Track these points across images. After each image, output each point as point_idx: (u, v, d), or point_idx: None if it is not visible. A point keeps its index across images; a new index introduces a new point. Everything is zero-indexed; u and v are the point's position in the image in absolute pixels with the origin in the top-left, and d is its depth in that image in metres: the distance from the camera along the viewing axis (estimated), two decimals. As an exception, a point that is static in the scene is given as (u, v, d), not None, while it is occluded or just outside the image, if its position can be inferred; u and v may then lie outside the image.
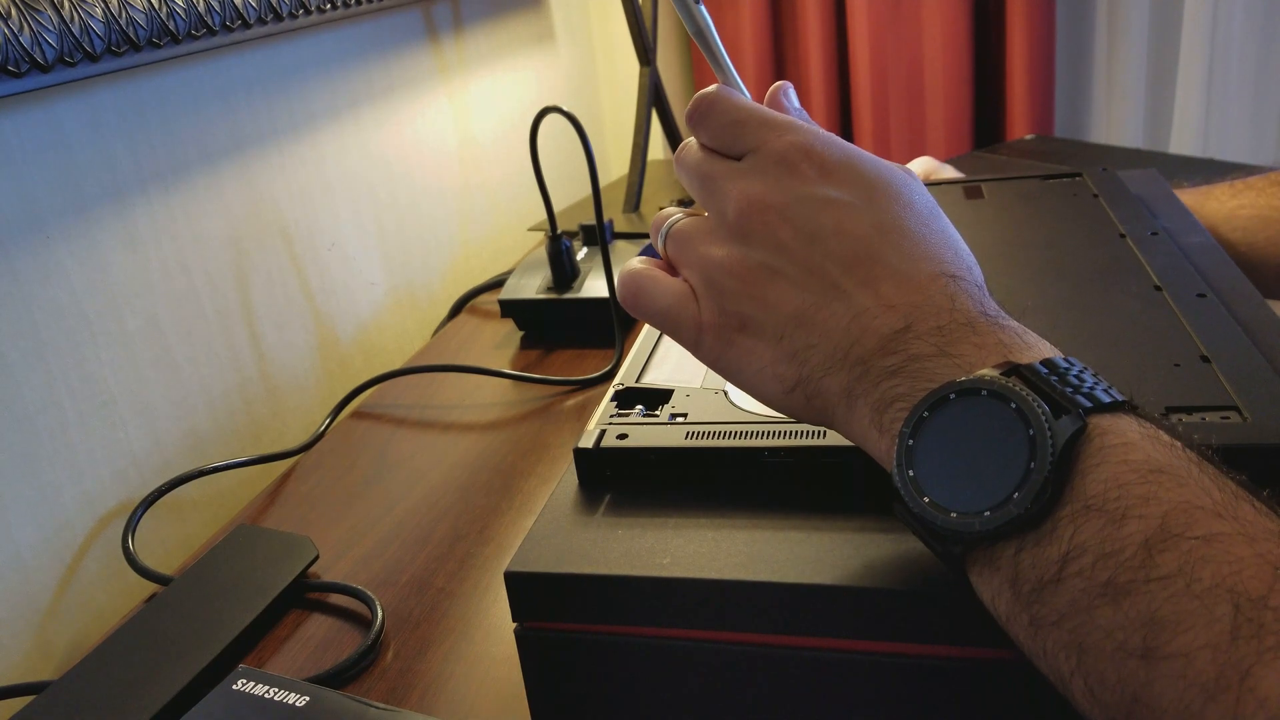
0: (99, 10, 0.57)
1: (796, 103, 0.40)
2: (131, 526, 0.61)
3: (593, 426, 0.43)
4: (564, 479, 0.42)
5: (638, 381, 0.47)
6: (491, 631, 0.50)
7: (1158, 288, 0.48)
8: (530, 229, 1.03)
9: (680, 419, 0.42)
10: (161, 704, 0.45)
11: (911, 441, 0.30)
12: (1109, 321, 0.44)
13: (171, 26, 0.63)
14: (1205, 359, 0.40)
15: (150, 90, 0.68)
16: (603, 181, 0.82)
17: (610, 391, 0.46)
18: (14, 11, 0.53)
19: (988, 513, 0.28)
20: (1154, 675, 0.24)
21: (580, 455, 0.41)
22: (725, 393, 0.44)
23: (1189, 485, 0.26)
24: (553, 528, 0.38)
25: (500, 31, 1.16)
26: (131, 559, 0.59)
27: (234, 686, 0.37)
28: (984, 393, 0.29)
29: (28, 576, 0.59)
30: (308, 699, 0.36)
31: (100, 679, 0.47)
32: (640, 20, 1.04)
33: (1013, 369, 0.30)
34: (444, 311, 0.98)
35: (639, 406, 0.44)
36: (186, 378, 0.71)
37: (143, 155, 0.67)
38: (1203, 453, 0.28)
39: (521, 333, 0.86)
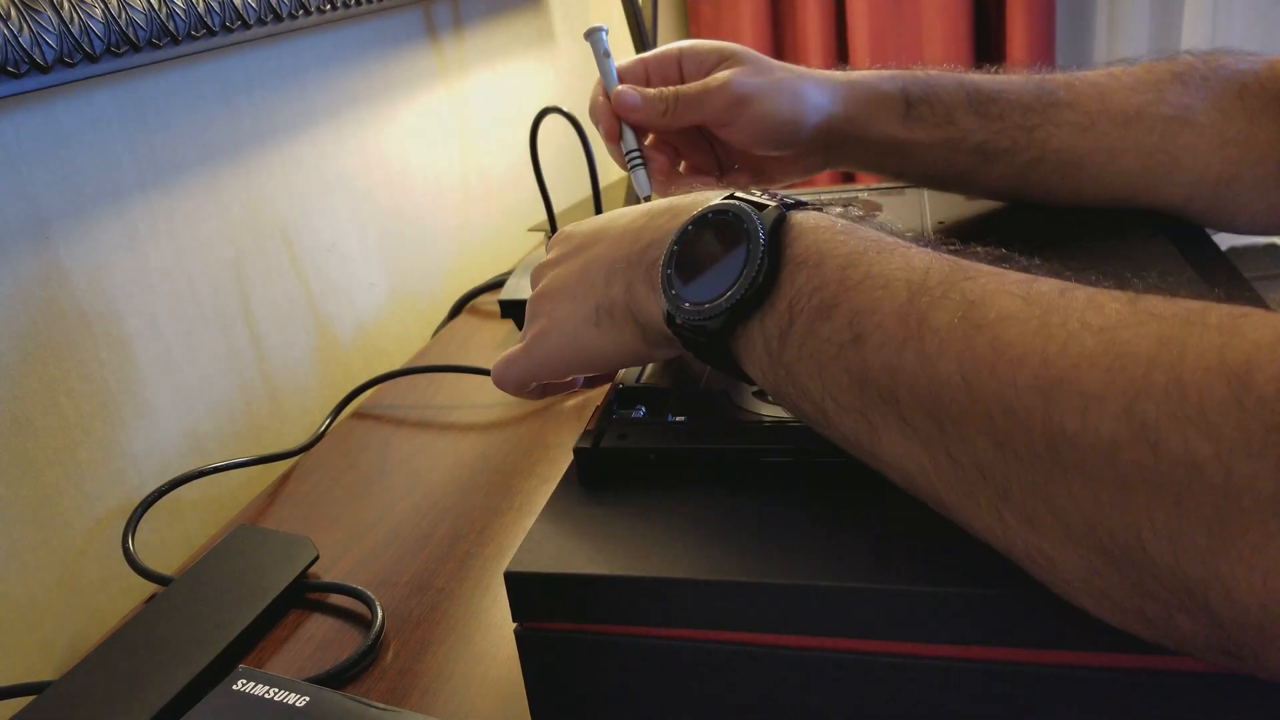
0: (99, 11, 0.57)
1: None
2: (131, 527, 0.61)
3: (593, 426, 0.43)
4: (564, 479, 0.42)
5: (638, 381, 0.47)
6: (491, 631, 0.50)
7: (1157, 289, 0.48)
8: (530, 229, 1.03)
9: (680, 419, 0.42)
10: (161, 704, 0.45)
11: (670, 270, 0.38)
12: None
13: (171, 27, 0.63)
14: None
15: (150, 91, 0.68)
16: (602, 182, 0.82)
17: (611, 391, 0.46)
18: (13, 12, 0.53)
19: (728, 293, 0.36)
20: (865, 352, 0.32)
21: (580, 455, 0.41)
22: (728, 393, 0.44)
23: (863, 229, 0.36)
24: (552, 528, 0.38)
25: (500, 31, 1.16)
26: (131, 559, 0.59)
27: (234, 686, 0.37)
28: (710, 214, 0.38)
29: (28, 576, 0.59)
30: (308, 699, 0.36)
31: (100, 679, 0.47)
32: (640, 20, 1.04)
33: (730, 195, 0.38)
34: (444, 312, 0.98)
35: (640, 406, 0.44)
36: (186, 378, 0.71)
37: (142, 156, 0.67)
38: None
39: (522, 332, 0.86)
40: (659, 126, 0.60)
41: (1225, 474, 0.24)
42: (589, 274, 0.43)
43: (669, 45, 0.60)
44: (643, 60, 0.60)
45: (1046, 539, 0.28)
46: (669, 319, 0.38)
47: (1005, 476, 0.29)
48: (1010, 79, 0.58)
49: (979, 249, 0.34)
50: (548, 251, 0.49)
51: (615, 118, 0.59)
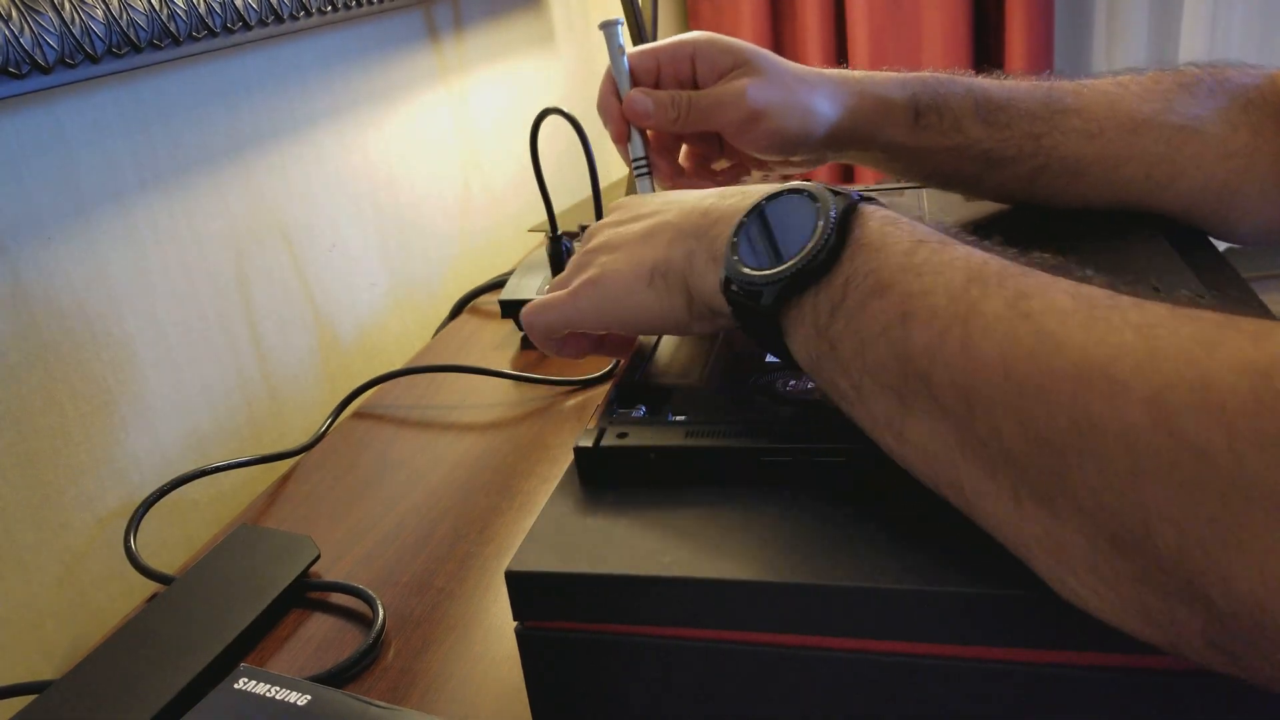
0: (100, 12, 0.57)
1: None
2: (133, 526, 0.61)
3: (593, 425, 0.43)
4: (564, 478, 0.42)
5: (639, 380, 0.47)
6: (492, 631, 0.50)
7: (1155, 289, 0.48)
8: (530, 229, 1.03)
9: (680, 418, 0.42)
10: (163, 703, 0.45)
11: (736, 238, 0.39)
12: None
13: (172, 28, 0.63)
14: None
15: (151, 92, 0.68)
16: (603, 182, 0.82)
17: (611, 390, 0.46)
18: (15, 13, 0.53)
19: (792, 262, 0.37)
20: (910, 330, 0.32)
21: (581, 454, 0.41)
22: (728, 393, 0.44)
23: (927, 228, 0.36)
24: (553, 527, 0.38)
25: (500, 32, 1.17)
26: (133, 558, 0.59)
27: (235, 685, 0.37)
28: (785, 193, 0.39)
29: (28, 576, 0.59)
30: (309, 698, 0.36)
31: (101, 679, 0.47)
32: (640, 20, 1.05)
33: (806, 182, 0.40)
34: (444, 312, 0.98)
35: (640, 405, 0.44)
36: (187, 378, 0.71)
37: (144, 156, 0.67)
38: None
39: (522, 333, 0.86)
40: (668, 131, 0.59)
41: (1236, 464, 0.25)
42: (653, 235, 0.44)
43: (683, 37, 0.59)
44: (655, 53, 0.59)
45: (1059, 522, 0.29)
46: (725, 284, 0.39)
47: (1027, 459, 0.29)
48: (1019, 85, 0.58)
49: (1038, 254, 0.34)
50: (606, 214, 0.50)
51: (625, 121, 0.59)
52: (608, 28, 0.60)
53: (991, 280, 0.32)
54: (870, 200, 0.39)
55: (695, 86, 0.58)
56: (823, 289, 0.36)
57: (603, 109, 0.60)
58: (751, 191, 0.42)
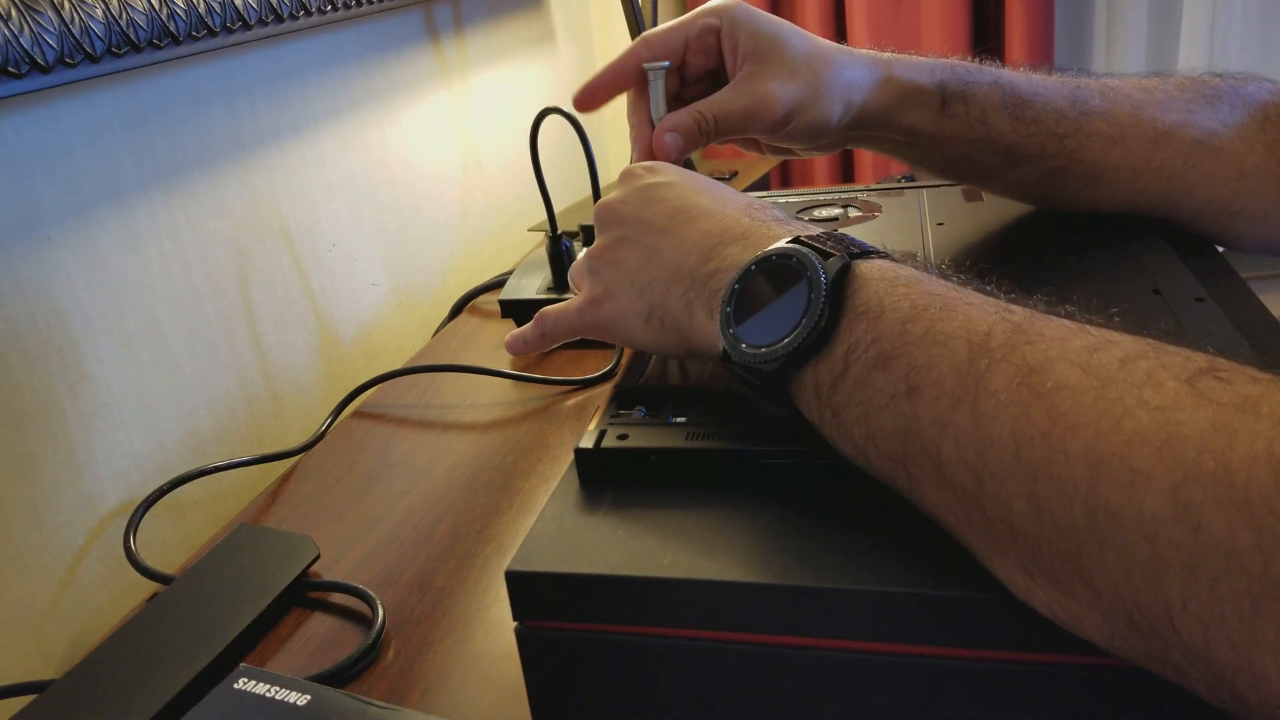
0: (99, 11, 0.57)
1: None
2: (133, 526, 0.61)
3: (593, 426, 0.43)
4: (564, 479, 0.42)
5: (639, 382, 0.47)
6: (492, 630, 0.50)
7: (1156, 291, 0.48)
8: (530, 229, 1.03)
9: (681, 420, 0.42)
10: (162, 703, 0.45)
11: (729, 309, 0.39)
12: (1106, 326, 0.44)
13: (172, 28, 0.63)
14: (1203, 361, 0.40)
15: (151, 91, 0.68)
16: (603, 182, 0.82)
17: (611, 391, 0.46)
18: (14, 12, 0.53)
19: (787, 339, 0.36)
20: (917, 405, 0.32)
21: (581, 455, 0.41)
22: (729, 394, 0.44)
23: (927, 282, 0.36)
24: (553, 527, 0.39)
25: (501, 32, 1.17)
26: (133, 558, 0.59)
27: (235, 685, 0.37)
28: (774, 258, 0.38)
29: (28, 576, 0.59)
30: (309, 698, 0.36)
31: (101, 679, 0.47)
32: (640, 20, 1.05)
33: (795, 239, 0.38)
34: (444, 311, 0.98)
35: (640, 407, 0.44)
36: (187, 378, 0.71)
37: (144, 156, 0.67)
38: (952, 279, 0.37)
39: (521, 333, 0.86)
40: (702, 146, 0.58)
41: (1264, 563, 0.24)
42: (650, 268, 0.44)
43: (711, 7, 0.56)
44: (684, 34, 0.56)
45: (1072, 599, 0.29)
46: (725, 356, 0.39)
47: (1038, 539, 0.29)
48: (1046, 81, 0.56)
49: (1040, 300, 0.34)
50: (619, 183, 0.49)
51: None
52: (653, 70, 0.57)
53: (997, 353, 0.31)
54: (865, 254, 0.38)
55: (719, 61, 0.57)
56: (822, 360, 0.36)
57: (635, 139, 0.58)
58: (753, 238, 0.41)
